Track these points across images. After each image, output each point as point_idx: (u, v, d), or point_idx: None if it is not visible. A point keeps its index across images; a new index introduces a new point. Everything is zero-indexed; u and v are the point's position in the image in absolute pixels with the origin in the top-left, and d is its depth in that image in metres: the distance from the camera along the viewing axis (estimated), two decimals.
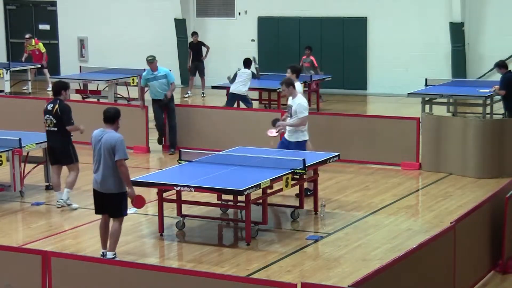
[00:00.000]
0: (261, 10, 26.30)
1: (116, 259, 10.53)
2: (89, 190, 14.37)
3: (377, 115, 17.95)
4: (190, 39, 25.54)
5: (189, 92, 25.11)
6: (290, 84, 13.40)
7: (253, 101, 22.00)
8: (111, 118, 10.60)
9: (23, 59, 26.38)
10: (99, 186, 10.59)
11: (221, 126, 17.26)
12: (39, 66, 26.26)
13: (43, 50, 26.30)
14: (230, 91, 20.10)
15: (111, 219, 10.69)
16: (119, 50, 27.82)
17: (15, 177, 13.59)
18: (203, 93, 25.12)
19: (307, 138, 13.59)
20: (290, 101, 13.54)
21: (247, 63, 20.55)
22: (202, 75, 25.23)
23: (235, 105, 20.02)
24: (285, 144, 13.56)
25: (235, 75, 20.27)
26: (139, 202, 10.67)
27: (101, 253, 10.77)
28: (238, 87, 20.04)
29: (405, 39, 24.48)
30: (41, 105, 18.28)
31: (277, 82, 21.82)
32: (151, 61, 17.25)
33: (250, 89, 21.68)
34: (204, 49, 25.10)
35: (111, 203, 10.58)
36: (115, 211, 10.63)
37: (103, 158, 10.52)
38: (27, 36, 26.54)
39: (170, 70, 17.66)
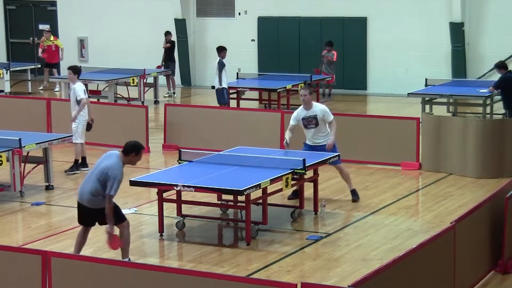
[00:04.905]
0: (261, 10, 26.30)
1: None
2: None
3: (377, 115, 17.96)
4: (168, 38, 25.01)
5: (170, 92, 24.84)
6: (311, 92, 13.37)
7: (252, 101, 22.05)
8: (125, 149, 10.29)
9: (40, 55, 26.36)
10: (85, 202, 10.33)
11: (221, 126, 17.25)
12: (39, 65, 26.26)
13: (62, 46, 26.30)
14: None
15: (115, 227, 10.42)
16: (119, 50, 27.82)
17: (15, 177, 13.59)
18: (168, 93, 24.78)
19: None
20: (303, 111, 13.20)
21: (217, 50, 20.23)
22: (173, 75, 25.03)
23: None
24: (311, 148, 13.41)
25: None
26: (114, 243, 10.27)
27: None
28: (214, 81, 19.99)
29: (405, 39, 24.48)
30: (41, 105, 18.35)
31: (277, 82, 21.95)
32: None
33: (251, 89, 21.69)
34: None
35: (102, 216, 10.27)
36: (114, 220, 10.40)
37: (97, 178, 10.20)
38: (46, 28, 26.52)
39: None
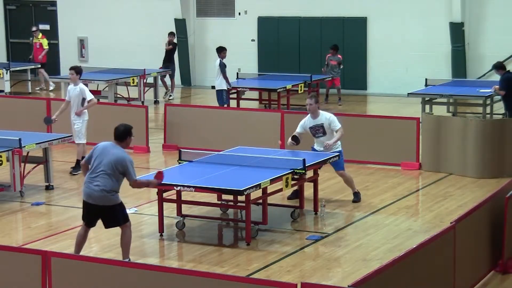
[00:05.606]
0: (261, 10, 26.30)
1: None
2: None
3: (377, 115, 17.96)
4: (171, 39, 24.79)
5: (168, 92, 24.68)
6: (317, 101, 13.28)
7: (252, 101, 22.05)
8: (120, 136, 10.39)
9: (30, 56, 26.51)
10: (96, 200, 10.28)
11: (221, 126, 17.25)
12: (39, 65, 26.25)
13: (46, 47, 26.28)
14: None
15: (119, 228, 10.51)
16: (119, 50, 27.81)
17: (15, 177, 13.59)
18: (166, 92, 24.60)
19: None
20: (310, 120, 13.15)
21: (217, 51, 20.22)
22: (172, 77, 24.83)
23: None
24: None
25: None
26: (159, 177, 10.77)
27: None
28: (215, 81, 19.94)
29: (405, 39, 24.49)
30: (41, 105, 18.35)
31: (277, 82, 21.95)
32: None
33: (251, 89, 21.69)
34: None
35: (110, 215, 10.37)
36: (119, 221, 10.44)
37: (107, 173, 10.22)
38: (34, 28, 26.55)
39: None
